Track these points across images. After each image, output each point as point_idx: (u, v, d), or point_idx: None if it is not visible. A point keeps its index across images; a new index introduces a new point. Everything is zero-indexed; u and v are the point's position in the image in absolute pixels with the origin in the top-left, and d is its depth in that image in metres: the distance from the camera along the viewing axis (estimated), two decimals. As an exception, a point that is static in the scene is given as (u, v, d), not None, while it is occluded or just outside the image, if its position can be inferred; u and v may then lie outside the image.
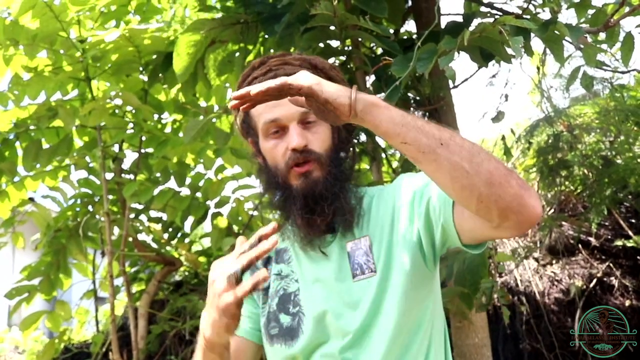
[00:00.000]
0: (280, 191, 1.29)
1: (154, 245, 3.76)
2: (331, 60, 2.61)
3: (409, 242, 1.25)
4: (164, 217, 3.73)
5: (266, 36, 2.55)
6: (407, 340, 1.23)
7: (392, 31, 2.57)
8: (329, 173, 1.27)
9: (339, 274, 1.27)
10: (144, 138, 3.32)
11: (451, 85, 2.56)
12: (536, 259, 3.87)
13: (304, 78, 1.05)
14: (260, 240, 1.05)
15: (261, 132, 1.29)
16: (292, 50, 2.49)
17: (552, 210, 3.90)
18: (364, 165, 3.18)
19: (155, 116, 3.33)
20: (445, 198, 1.17)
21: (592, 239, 3.82)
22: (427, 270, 1.27)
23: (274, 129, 1.27)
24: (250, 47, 2.63)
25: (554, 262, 3.84)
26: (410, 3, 2.63)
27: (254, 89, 1.03)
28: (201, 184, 3.62)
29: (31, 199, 3.60)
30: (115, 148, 3.37)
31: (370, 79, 2.41)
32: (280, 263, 1.36)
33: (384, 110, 1.06)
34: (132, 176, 3.39)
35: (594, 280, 3.64)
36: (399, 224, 1.27)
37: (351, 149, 1.39)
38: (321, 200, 1.25)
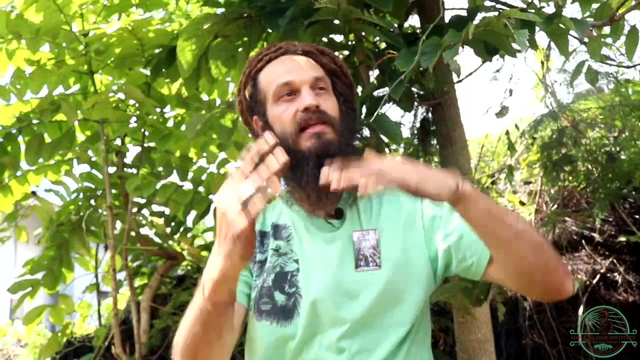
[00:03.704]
0: (290, 156, 1.21)
1: (157, 240, 3.75)
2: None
3: (424, 254, 1.28)
4: (167, 211, 3.73)
5: (269, 30, 2.53)
6: (405, 336, 1.24)
7: (395, 25, 2.56)
8: (342, 136, 1.26)
9: (342, 261, 1.26)
10: (146, 132, 3.32)
11: (455, 79, 2.55)
12: (539, 255, 3.86)
13: (409, 174, 1.04)
14: (261, 157, 0.96)
15: (272, 98, 1.29)
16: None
17: (556, 206, 3.89)
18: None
19: (158, 110, 3.32)
20: (481, 252, 1.21)
21: (595, 235, 3.81)
22: (433, 282, 1.30)
23: (286, 92, 1.27)
24: (254, 42, 2.62)
25: (557, 257, 3.83)
26: (414, -3, 2.62)
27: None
28: (203, 177, 3.62)
29: (34, 193, 3.60)
30: (118, 142, 3.37)
31: (374, 73, 2.40)
32: (279, 239, 1.32)
33: (476, 204, 1.08)
34: (134, 170, 3.38)
35: (598, 276, 3.62)
36: (417, 232, 1.29)
37: (359, 132, 1.39)
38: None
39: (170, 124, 3.46)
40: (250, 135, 1.43)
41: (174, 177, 3.56)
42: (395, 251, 1.26)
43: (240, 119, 1.47)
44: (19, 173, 3.33)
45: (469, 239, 1.22)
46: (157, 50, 2.97)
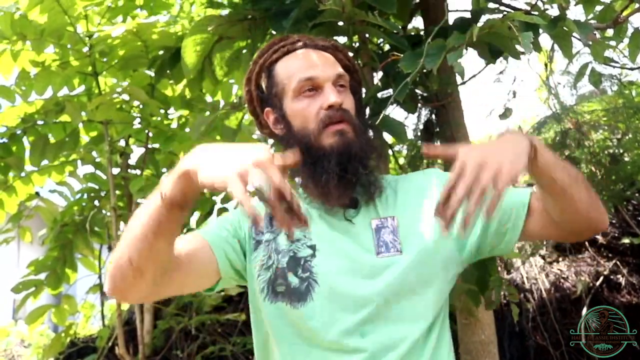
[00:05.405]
0: (311, 153, 1.24)
1: (160, 241, 3.75)
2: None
3: (448, 236, 1.24)
4: (170, 212, 3.72)
5: (273, 32, 2.54)
6: (429, 320, 1.22)
7: (399, 27, 2.56)
8: (360, 134, 1.27)
9: (363, 248, 1.25)
10: (150, 133, 3.32)
11: (459, 81, 2.55)
12: (543, 257, 3.86)
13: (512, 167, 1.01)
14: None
15: (292, 93, 1.28)
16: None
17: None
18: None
19: (162, 111, 3.32)
20: (518, 205, 1.24)
21: (598, 237, 3.81)
22: (460, 264, 1.29)
23: (308, 87, 1.26)
24: (258, 44, 2.63)
25: (560, 259, 3.84)
26: (418, -1, 2.63)
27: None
28: (207, 179, 3.61)
29: (38, 194, 3.61)
30: (122, 143, 3.38)
31: (378, 75, 2.40)
32: None
33: (544, 154, 1.12)
34: (138, 171, 3.39)
35: (601, 278, 3.63)
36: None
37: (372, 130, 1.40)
38: (355, 161, 1.23)
39: (174, 125, 3.47)
40: (257, 127, 1.42)
41: (178, 178, 3.55)
42: (416, 237, 1.25)
43: (243, 113, 1.46)
44: (23, 174, 3.34)
45: (506, 202, 1.22)
46: (161, 52, 2.97)
